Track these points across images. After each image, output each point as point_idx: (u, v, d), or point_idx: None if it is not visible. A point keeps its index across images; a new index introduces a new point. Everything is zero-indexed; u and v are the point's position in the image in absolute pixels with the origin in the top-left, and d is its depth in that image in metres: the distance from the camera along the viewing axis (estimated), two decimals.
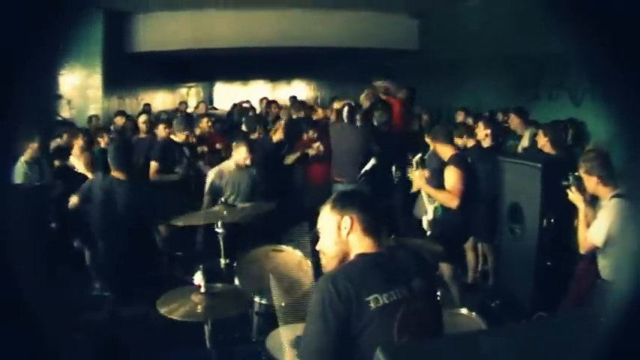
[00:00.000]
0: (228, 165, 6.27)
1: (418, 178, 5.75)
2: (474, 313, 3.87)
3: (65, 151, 7.04)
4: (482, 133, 6.84)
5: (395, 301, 2.42)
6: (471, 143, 6.67)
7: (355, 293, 2.37)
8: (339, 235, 2.60)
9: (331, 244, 2.63)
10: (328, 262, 2.67)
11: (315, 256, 4.49)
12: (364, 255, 2.56)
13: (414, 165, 5.91)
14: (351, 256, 2.60)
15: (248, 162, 6.17)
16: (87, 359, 5.03)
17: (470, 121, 8.28)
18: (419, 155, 6.17)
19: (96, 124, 10.38)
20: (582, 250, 4.47)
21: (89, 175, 5.81)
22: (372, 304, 2.37)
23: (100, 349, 5.13)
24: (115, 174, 5.14)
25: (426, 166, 5.92)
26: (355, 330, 2.37)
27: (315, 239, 2.70)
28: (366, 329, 2.37)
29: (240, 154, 6.17)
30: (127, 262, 5.02)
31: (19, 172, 6.06)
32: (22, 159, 6.17)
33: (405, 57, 13.80)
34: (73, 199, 5.29)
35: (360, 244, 2.59)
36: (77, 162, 6.29)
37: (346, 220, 2.58)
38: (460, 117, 9.05)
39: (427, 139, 6.47)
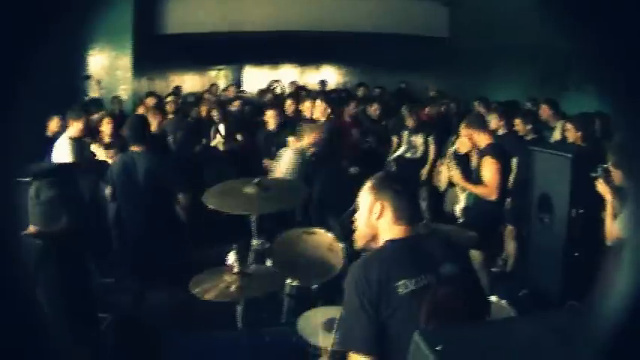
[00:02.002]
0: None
1: (454, 173, 5.72)
2: (503, 301, 3.88)
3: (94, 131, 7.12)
4: (495, 123, 6.91)
5: (423, 287, 2.43)
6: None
7: (385, 279, 2.41)
8: (369, 217, 2.63)
9: (362, 223, 2.68)
10: (358, 239, 2.71)
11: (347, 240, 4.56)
12: (394, 241, 2.58)
13: (448, 159, 5.93)
14: (380, 240, 2.62)
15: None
16: (114, 342, 5.12)
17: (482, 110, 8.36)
18: (452, 149, 6.19)
19: (119, 105, 10.51)
20: (609, 242, 4.45)
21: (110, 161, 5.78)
22: (400, 290, 2.40)
23: (126, 331, 5.21)
24: (134, 148, 5.16)
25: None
26: (384, 315, 2.40)
27: (343, 225, 2.73)
28: (394, 315, 2.40)
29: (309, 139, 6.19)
30: (149, 238, 5.04)
31: (65, 148, 6.06)
32: (67, 135, 6.18)
33: (435, 44, 13.72)
34: (108, 190, 5.31)
35: (390, 229, 2.60)
36: (98, 149, 6.28)
37: (377, 206, 2.60)
38: (478, 107, 8.97)
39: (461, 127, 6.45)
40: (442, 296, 2.46)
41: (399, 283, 2.40)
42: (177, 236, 5.29)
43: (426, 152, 8.10)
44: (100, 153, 6.23)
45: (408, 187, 2.76)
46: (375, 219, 2.61)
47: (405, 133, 8.09)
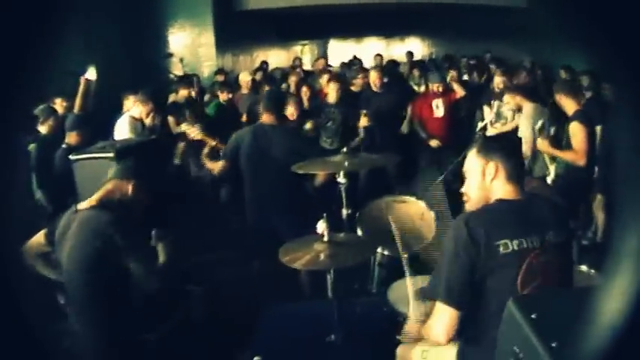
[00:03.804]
0: None
1: (543, 144, 5.64)
2: (592, 271, 3.73)
3: (179, 107, 7.17)
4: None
5: (524, 250, 2.40)
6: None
7: (486, 236, 2.38)
8: (482, 180, 2.61)
9: (475, 188, 2.65)
10: (472, 206, 2.67)
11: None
12: (503, 201, 2.56)
13: (537, 131, 5.80)
14: (491, 201, 2.59)
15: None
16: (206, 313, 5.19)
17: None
18: (541, 121, 6.06)
19: (197, 83, 10.54)
20: None
21: (210, 141, 5.56)
22: (501, 249, 2.38)
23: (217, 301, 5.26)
24: (267, 118, 4.94)
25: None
26: (482, 272, 2.39)
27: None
28: (491, 273, 2.39)
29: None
30: (280, 216, 4.85)
31: (125, 127, 6.11)
32: (129, 114, 6.23)
33: (518, 15, 13.32)
34: (217, 165, 5.00)
35: (502, 190, 2.58)
36: (191, 129, 5.90)
37: (491, 167, 2.58)
38: (563, 75, 8.68)
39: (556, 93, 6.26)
40: (542, 263, 2.43)
41: (501, 242, 2.39)
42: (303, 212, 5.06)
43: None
44: (193, 132, 5.93)
45: (514, 146, 2.71)
46: (490, 181, 2.60)
47: (496, 103, 7.83)
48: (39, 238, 3.31)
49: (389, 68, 10.33)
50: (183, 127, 5.95)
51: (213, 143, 5.47)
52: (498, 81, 7.76)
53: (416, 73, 10.98)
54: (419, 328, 2.78)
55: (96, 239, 2.87)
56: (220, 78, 9.63)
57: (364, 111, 6.83)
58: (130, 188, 3.27)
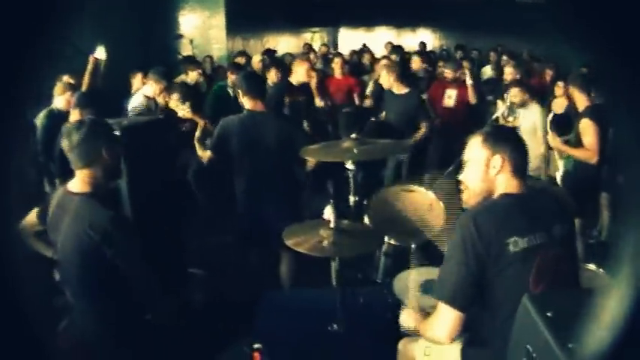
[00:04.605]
0: None
1: (552, 138, 5.59)
2: (601, 270, 3.67)
3: (191, 88, 7.12)
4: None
5: (534, 246, 2.33)
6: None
7: (496, 234, 2.30)
8: (486, 172, 2.50)
9: (476, 179, 2.53)
10: (470, 197, 2.58)
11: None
12: (509, 195, 2.46)
13: (548, 127, 5.77)
14: (495, 195, 2.49)
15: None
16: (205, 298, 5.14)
17: None
18: (550, 117, 6.07)
19: (211, 64, 10.52)
20: None
21: (199, 121, 5.35)
22: (511, 247, 2.29)
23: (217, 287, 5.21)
24: (252, 105, 4.72)
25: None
26: (491, 272, 2.31)
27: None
28: (502, 273, 2.31)
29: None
30: (272, 204, 4.68)
31: (139, 105, 6.12)
32: (143, 93, 6.25)
33: (531, 9, 13.22)
34: (205, 154, 4.80)
35: (506, 184, 2.48)
36: (180, 106, 5.70)
37: (497, 159, 2.48)
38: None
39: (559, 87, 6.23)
40: (552, 258, 2.36)
41: (510, 240, 2.30)
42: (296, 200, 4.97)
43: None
44: (183, 111, 5.79)
45: (521, 139, 2.60)
46: (495, 174, 2.49)
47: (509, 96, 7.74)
48: (32, 217, 3.27)
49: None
50: (172, 104, 5.80)
51: (202, 123, 5.28)
52: (508, 72, 7.67)
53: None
54: (417, 323, 2.70)
55: (94, 232, 2.81)
56: (241, 60, 9.46)
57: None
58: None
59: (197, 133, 5.01)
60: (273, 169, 4.58)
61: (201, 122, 5.24)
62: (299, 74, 7.03)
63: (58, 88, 5.81)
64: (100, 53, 6.99)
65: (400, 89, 6.91)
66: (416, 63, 9.01)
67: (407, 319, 2.86)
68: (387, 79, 6.93)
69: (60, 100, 5.75)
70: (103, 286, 2.92)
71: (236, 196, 4.81)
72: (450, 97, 7.78)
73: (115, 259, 2.82)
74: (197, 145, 4.87)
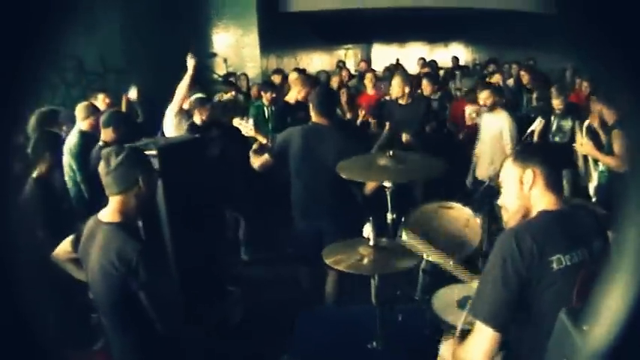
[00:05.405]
0: None
1: (585, 145, 5.64)
2: None
3: (229, 108, 7.23)
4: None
5: (576, 264, 2.30)
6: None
7: (538, 252, 2.27)
8: (520, 189, 2.49)
9: (513, 198, 2.53)
10: (510, 218, 2.56)
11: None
12: (547, 212, 2.43)
13: (582, 133, 5.76)
14: (533, 213, 2.47)
15: None
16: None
17: None
18: (586, 123, 6.15)
19: (246, 82, 10.58)
20: None
21: (260, 139, 5.52)
22: (554, 265, 2.28)
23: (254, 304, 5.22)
24: (318, 119, 4.82)
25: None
26: (534, 291, 2.29)
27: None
28: (545, 291, 2.28)
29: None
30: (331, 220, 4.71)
31: (171, 122, 6.19)
32: (175, 110, 6.23)
33: (558, 22, 13.16)
34: (260, 159, 4.88)
35: (542, 199, 2.46)
36: (244, 125, 5.83)
37: (528, 174, 2.46)
38: None
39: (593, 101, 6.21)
40: (594, 275, 2.28)
41: (553, 257, 2.29)
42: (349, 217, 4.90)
43: (572, 137, 7.54)
44: (246, 129, 5.82)
45: (553, 153, 2.61)
46: (528, 189, 2.47)
47: (553, 116, 7.61)
48: (65, 245, 3.28)
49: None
50: (236, 122, 5.88)
51: (264, 141, 5.41)
52: (557, 102, 7.42)
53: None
54: (453, 350, 2.63)
55: (120, 264, 2.80)
56: (277, 78, 9.55)
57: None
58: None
59: (254, 146, 5.22)
60: (327, 181, 4.58)
61: (262, 139, 5.38)
62: (295, 92, 7.11)
63: (81, 111, 5.86)
64: (133, 93, 7.21)
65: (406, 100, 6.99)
66: (426, 89, 8.37)
67: (447, 348, 2.83)
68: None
69: (84, 124, 5.80)
70: (129, 314, 2.92)
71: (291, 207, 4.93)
72: (471, 115, 7.73)
73: (139, 291, 2.82)
74: (252, 155, 4.99)
